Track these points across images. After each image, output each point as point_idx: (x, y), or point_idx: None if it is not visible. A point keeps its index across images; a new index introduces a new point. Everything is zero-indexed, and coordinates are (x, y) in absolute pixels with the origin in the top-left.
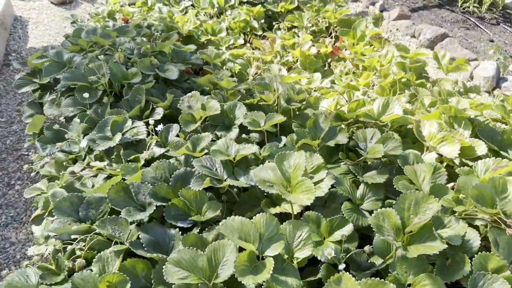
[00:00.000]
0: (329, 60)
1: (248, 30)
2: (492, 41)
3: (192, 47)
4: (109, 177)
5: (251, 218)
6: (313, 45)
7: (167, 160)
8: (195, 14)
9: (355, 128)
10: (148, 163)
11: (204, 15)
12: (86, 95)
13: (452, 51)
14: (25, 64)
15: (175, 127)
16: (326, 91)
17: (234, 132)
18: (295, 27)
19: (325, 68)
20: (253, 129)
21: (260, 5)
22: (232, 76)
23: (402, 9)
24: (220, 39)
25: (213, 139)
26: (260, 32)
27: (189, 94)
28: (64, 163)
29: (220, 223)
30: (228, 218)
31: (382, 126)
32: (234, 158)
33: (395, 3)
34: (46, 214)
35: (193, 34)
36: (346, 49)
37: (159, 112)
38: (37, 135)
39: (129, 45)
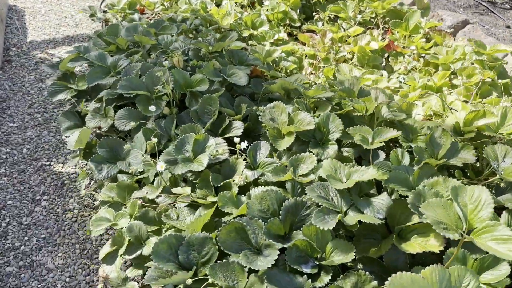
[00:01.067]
0: (385, 55)
1: (287, 22)
2: (508, 27)
3: (240, 44)
4: (193, 206)
5: (381, 256)
6: (372, 40)
7: (273, 189)
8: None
9: (475, 143)
10: (240, 189)
11: (236, 5)
12: (153, 108)
13: (475, 38)
14: (56, 66)
15: (264, 145)
16: (404, 93)
17: (332, 149)
18: (337, 17)
19: (383, 64)
20: (365, 146)
21: None
22: (286, 75)
23: None
24: (264, 33)
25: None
26: (297, 24)
27: (271, 104)
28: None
29: (387, 283)
30: (394, 275)
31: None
32: None
33: None
34: (123, 251)
35: (234, 28)
36: (397, 42)
37: (238, 126)
38: (82, 150)
39: (178, 45)
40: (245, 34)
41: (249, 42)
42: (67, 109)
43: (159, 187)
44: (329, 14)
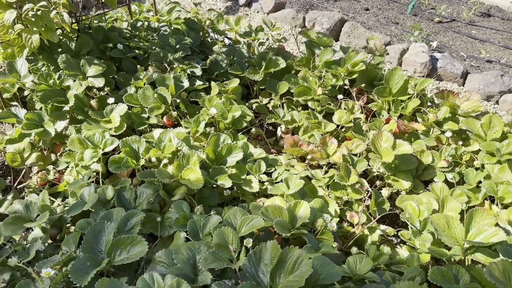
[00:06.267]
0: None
1: (243, 125)
2: (367, 9)
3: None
4: None
5: None
6: (389, 131)
7: None
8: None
9: None
10: None
11: (155, 117)
12: None
13: (361, 38)
14: None
15: None
16: None
17: None
18: (291, 95)
19: None
20: None
21: (237, 79)
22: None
23: None
24: (248, 167)
25: None
26: (249, 118)
27: None
28: None
29: None
30: None
31: None
32: None
33: None
34: None
35: (205, 180)
36: (382, 110)
37: None
38: None
39: None
40: (224, 182)
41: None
42: None
43: None
44: (267, 96)
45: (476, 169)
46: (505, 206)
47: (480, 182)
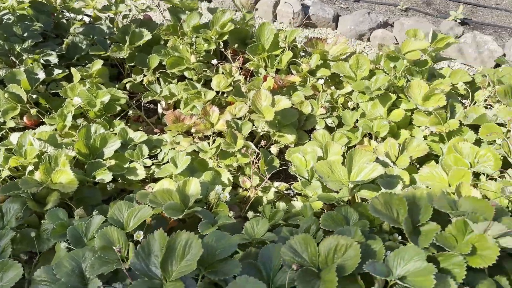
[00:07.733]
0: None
1: (118, 109)
2: None
3: None
4: None
5: None
6: (267, 90)
7: None
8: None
9: None
10: None
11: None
12: None
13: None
14: None
15: None
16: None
17: None
18: (164, 68)
19: None
20: None
21: (100, 60)
22: None
23: None
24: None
25: None
26: (123, 101)
27: None
28: None
29: None
30: None
31: None
32: None
33: None
34: None
35: None
36: (259, 68)
37: None
38: None
39: None
40: (104, 176)
41: None
42: None
43: None
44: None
45: (352, 109)
46: (383, 139)
47: (357, 121)
